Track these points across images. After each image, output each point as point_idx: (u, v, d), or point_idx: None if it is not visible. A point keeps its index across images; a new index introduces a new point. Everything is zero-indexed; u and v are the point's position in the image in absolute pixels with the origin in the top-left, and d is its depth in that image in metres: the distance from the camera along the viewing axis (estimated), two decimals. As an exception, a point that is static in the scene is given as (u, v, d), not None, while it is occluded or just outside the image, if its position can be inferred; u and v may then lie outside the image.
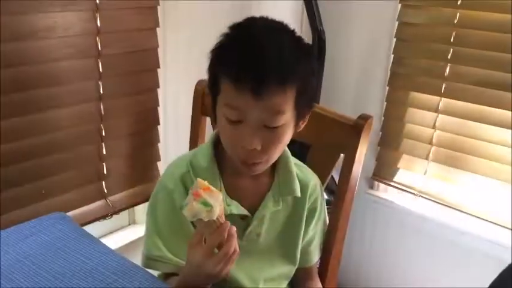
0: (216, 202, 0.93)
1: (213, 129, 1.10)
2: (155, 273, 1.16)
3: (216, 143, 1.15)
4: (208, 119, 1.59)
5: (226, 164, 1.14)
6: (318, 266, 1.36)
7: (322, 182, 1.34)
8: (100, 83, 1.70)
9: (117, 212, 1.85)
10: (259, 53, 0.97)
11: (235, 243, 0.95)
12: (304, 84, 1.02)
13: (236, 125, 1.01)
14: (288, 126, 1.04)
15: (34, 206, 1.61)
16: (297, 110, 1.03)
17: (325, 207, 1.31)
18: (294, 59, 1.00)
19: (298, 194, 1.18)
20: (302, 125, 1.10)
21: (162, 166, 1.96)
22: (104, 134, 1.75)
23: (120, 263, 1.11)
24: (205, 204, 0.92)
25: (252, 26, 1.04)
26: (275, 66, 0.96)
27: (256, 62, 0.96)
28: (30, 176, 1.60)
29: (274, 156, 1.09)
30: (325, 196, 1.97)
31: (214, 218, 0.93)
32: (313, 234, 1.27)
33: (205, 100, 1.56)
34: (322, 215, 1.29)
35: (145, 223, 1.18)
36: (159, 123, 1.92)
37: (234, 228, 0.96)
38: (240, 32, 1.04)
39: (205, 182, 0.95)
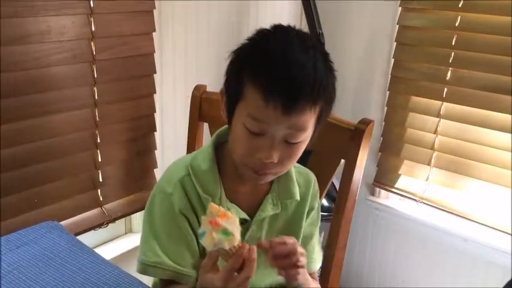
0: (235, 228, 0.91)
1: (229, 130, 1.06)
2: (150, 280, 1.12)
3: (217, 146, 1.13)
4: (206, 125, 1.57)
5: (226, 168, 1.12)
6: (319, 274, 1.33)
7: (323, 188, 1.32)
8: (95, 89, 1.68)
9: (113, 221, 1.82)
10: (296, 69, 0.94)
11: (255, 267, 0.93)
12: (330, 103, 1.02)
13: (255, 136, 0.98)
14: (306, 142, 1.03)
15: (26, 215, 1.57)
16: (317, 125, 1.03)
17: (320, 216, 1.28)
18: (326, 77, 0.99)
19: (298, 197, 1.16)
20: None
21: (158, 173, 1.93)
22: (99, 140, 1.72)
23: (113, 274, 1.09)
24: (226, 233, 0.90)
25: (284, 37, 1.01)
26: (310, 83, 0.95)
27: (292, 78, 0.94)
28: (23, 184, 1.57)
29: (288, 168, 1.08)
30: (326, 203, 1.95)
31: (235, 245, 0.91)
32: (306, 235, 1.23)
33: (203, 105, 1.54)
34: (318, 221, 1.26)
35: (142, 228, 1.14)
36: (155, 130, 1.89)
37: (255, 252, 0.93)
38: (273, 42, 1.00)
39: (220, 208, 0.93)
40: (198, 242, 1.09)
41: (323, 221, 1.68)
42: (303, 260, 1.02)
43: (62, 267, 1.09)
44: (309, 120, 0.98)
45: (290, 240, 1.01)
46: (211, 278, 0.93)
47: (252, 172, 1.03)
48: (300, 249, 1.02)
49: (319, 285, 1.28)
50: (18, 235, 1.20)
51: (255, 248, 0.94)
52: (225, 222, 0.90)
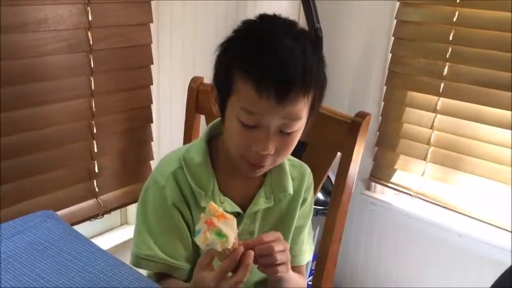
0: (231, 230, 0.91)
1: (222, 123, 1.06)
2: (144, 272, 1.12)
3: (210, 138, 1.12)
4: (202, 117, 1.56)
5: (220, 161, 1.11)
6: (313, 267, 1.33)
7: (319, 182, 1.32)
8: (91, 79, 1.67)
9: (108, 212, 1.82)
10: (287, 58, 0.94)
11: (248, 273, 0.93)
12: (321, 90, 1.02)
13: (250, 129, 0.98)
14: (300, 131, 1.02)
15: (22, 204, 1.57)
16: (311, 114, 1.02)
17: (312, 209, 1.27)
18: (316, 63, 0.98)
19: (291, 191, 1.16)
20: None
21: (154, 165, 1.91)
22: (95, 131, 1.72)
23: (108, 263, 1.08)
24: (220, 235, 0.89)
25: (271, 26, 1.00)
26: (301, 71, 0.94)
27: (283, 67, 0.93)
28: (19, 174, 1.56)
29: (284, 159, 1.08)
30: (322, 197, 1.95)
31: (229, 247, 0.91)
32: (296, 226, 1.22)
33: (200, 97, 1.53)
34: (310, 214, 1.25)
35: (135, 220, 1.15)
36: (152, 121, 1.89)
37: (251, 257, 0.93)
38: (260, 32, 0.99)
39: (219, 209, 0.92)
40: (191, 235, 1.09)
41: (319, 214, 1.69)
42: (282, 258, 0.98)
43: (58, 256, 1.08)
44: (303, 109, 0.98)
45: (268, 238, 0.98)
46: (205, 276, 0.93)
47: (249, 165, 1.03)
48: (278, 248, 0.97)
49: (303, 280, 1.28)
50: (13, 223, 1.19)
51: (252, 253, 0.93)
52: (221, 224, 0.90)
